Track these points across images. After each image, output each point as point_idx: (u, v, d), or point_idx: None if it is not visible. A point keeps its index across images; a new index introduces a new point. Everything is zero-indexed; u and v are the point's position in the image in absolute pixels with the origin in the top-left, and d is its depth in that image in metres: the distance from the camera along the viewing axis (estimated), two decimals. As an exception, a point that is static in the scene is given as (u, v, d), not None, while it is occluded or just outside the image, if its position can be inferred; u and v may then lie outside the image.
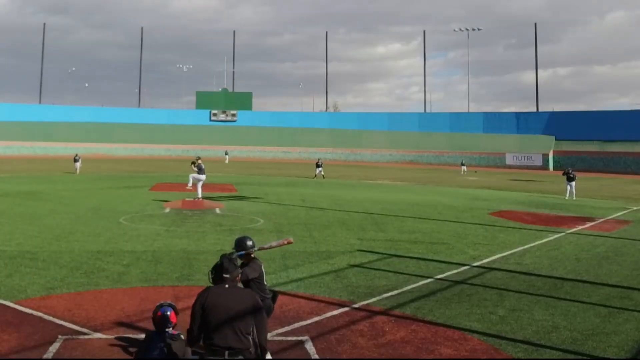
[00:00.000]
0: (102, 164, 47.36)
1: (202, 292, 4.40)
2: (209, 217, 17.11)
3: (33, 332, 6.67)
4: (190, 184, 22.79)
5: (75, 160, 37.48)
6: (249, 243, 6.01)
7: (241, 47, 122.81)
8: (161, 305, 4.68)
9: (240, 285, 4.46)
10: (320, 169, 39.23)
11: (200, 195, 21.93)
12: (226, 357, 4.15)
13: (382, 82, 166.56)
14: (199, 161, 23.26)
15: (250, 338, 4.29)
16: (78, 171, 36.49)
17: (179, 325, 5.10)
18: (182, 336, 4.58)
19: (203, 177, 22.50)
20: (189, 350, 4.72)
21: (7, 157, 60.23)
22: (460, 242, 13.70)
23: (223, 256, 4.55)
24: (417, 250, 12.52)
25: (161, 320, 4.57)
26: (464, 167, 53.53)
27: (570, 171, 27.46)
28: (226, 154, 64.42)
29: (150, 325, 6.97)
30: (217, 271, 4.42)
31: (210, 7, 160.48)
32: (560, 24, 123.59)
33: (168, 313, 4.61)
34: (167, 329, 4.55)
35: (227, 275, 4.37)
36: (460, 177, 45.46)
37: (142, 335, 6.63)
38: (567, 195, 26.80)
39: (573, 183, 26.83)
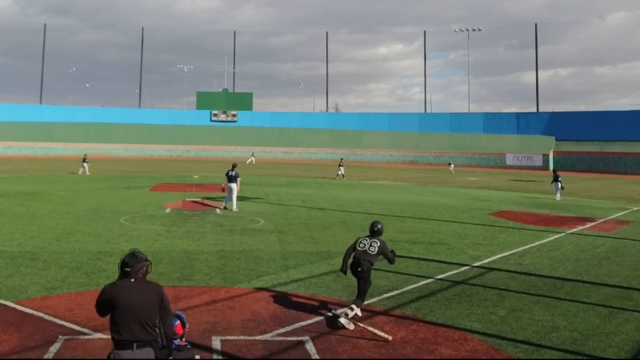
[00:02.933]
0: (102, 165, 47.36)
1: (108, 287, 4.48)
2: (209, 217, 17.12)
3: (34, 332, 6.68)
4: (234, 205, 19.34)
5: (84, 161, 37.42)
6: (379, 226, 8.24)
7: (242, 47, 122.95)
8: None
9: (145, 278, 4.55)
10: (342, 168, 40.96)
11: (232, 207, 19.14)
12: (134, 349, 4.24)
13: (384, 83, 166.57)
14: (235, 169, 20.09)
15: (156, 330, 4.39)
16: (87, 172, 36.40)
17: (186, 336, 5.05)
18: (190, 346, 4.54)
19: (232, 185, 19.58)
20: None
21: (7, 157, 60.25)
22: (461, 242, 13.70)
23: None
24: (417, 250, 12.53)
25: None
26: (452, 166, 55.54)
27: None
28: (252, 155, 64.10)
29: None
30: (121, 266, 4.48)
31: (213, 8, 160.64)
32: (561, 25, 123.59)
33: (176, 324, 4.53)
34: (174, 340, 4.48)
35: (129, 269, 4.43)
36: (450, 175, 45.49)
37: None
38: (557, 195, 26.78)
39: (559, 183, 26.88)
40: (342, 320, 7.11)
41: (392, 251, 7.88)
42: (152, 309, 4.36)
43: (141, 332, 4.29)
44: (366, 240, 7.87)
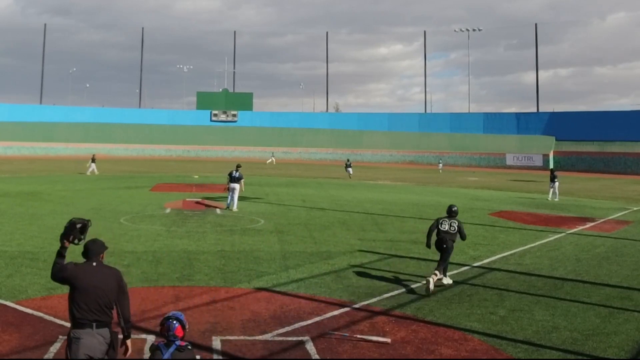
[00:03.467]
0: (102, 165, 47.35)
1: (72, 265, 4.70)
2: (209, 217, 17.12)
3: (34, 333, 6.68)
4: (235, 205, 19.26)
5: (93, 161, 37.61)
6: (455, 208, 9.93)
7: (243, 47, 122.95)
8: (168, 318, 4.58)
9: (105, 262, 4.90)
10: (350, 168, 41.90)
11: (233, 208, 19.13)
12: (94, 329, 4.53)
13: (384, 83, 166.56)
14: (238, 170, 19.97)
15: (113, 312, 4.69)
16: (96, 171, 36.60)
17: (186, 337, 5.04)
18: (190, 347, 4.56)
19: (234, 185, 19.45)
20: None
21: (7, 157, 60.26)
22: (461, 242, 13.67)
23: (73, 224, 4.81)
24: (417, 250, 12.52)
25: (167, 333, 4.55)
26: (441, 165, 56.58)
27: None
28: (272, 155, 64.41)
29: (150, 325, 6.99)
30: (84, 252, 4.78)
31: (213, 8, 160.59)
32: (561, 25, 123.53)
33: (176, 326, 4.54)
34: (175, 341, 4.52)
35: (90, 254, 4.77)
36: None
37: (143, 336, 6.65)
38: (550, 195, 26.48)
39: (556, 184, 26.51)
40: (430, 285, 8.79)
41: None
42: (111, 292, 4.66)
43: (100, 313, 4.57)
44: (446, 221, 9.64)
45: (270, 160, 61.48)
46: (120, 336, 4.81)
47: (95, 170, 36.65)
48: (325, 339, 6.76)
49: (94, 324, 4.54)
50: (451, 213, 9.79)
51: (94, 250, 4.82)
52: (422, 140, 73.18)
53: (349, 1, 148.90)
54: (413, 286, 9.33)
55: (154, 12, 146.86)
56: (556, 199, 26.09)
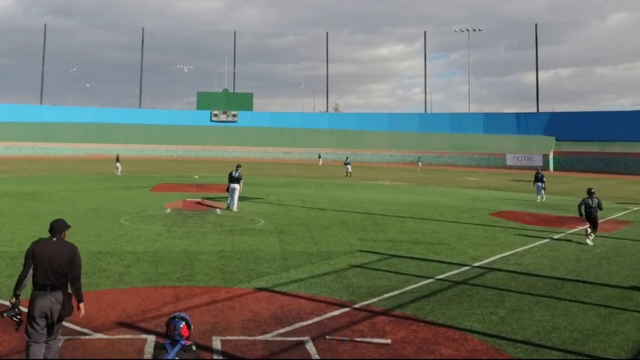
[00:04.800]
0: (102, 165, 47.37)
1: (35, 242, 5.73)
2: (209, 217, 17.12)
3: (34, 333, 6.68)
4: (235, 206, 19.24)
5: (117, 161, 37.89)
6: (594, 190, 14.93)
7: (244, 48, 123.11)
8: (174, 318, 4.66)
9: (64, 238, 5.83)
10: (349, 166, 43.64)
11: (233, 208, 19.09)
12: (48, 291, 5.47)
13: (385, 83, 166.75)
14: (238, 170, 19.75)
15: (66, 278, 5.59)
16: (119, 172, 36.82)
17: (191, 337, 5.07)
18: (195, 347, 4.60)
19: (234, 185, 19.32)
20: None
21: (8, 157, 60.27)
22: (461, 242, 13.71)
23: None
24: (417, 250, 12.53)
25: (173, 333, 4.61)
26: (420, 164, 58.55)
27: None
28: (319, 157, 65.62)
29: (150, 325, 7.00)
30: (49, 229, 5.83)
31: (215, 9, 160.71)
32: (561, 25, 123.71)
33: (182, 325, 4.61)
34: (180, 340, 4.58)
35: (52, 230, 5.80)
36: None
37: (143, 336, 6.66)
38: (539, 197, 25.58)
39: (541, 184, 25.49)
40: (588, 241, 13.71)
41: None
42: (64, 262, 5.56)
43: (54, 279, 5.49)
44: (590, 199, 14.20)
45: (321, 162, 63.53)
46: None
47: (119, 171, 37.09)
48: (326, 338, 6.76)
49: (48, 287, 5.47)
50: (591, 194, 14.32)
51: (55, 228, 5.80)
52: (423, 141, 73.17)
53: (351, 2, 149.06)
54: (411, 287, 9.32)
55: (156, 13, 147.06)
56: (543, 199, 25.28)
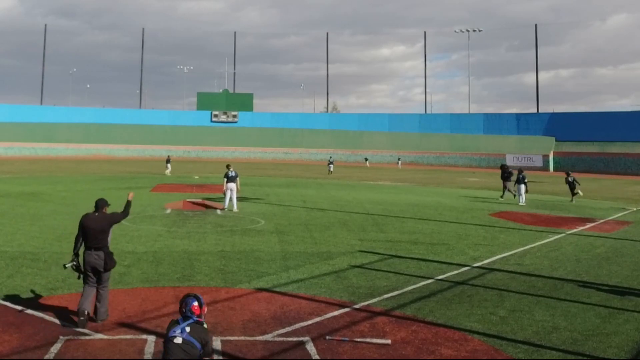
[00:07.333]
0: (103, 165, 47.37)
1: (83, 215, 7.51)
2: (209, 218, 17.13)
3: (34, 333, 6.69)
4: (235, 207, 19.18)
5: (168, 162, 38.15)
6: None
7: (245, 49, 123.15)
8: (187, 296, 5.08)
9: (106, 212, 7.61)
10: (331, 165, 46.13)
11: (233, 208, 19.05)
12: (92, 251, 7.23)
13: (386, 84, 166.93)
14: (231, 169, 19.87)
15: (106, 240, 7.37)
16: (169, 172, 37.07)
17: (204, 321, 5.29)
18: (206, 325, 4.96)
19: (231, 185, 19.31)
20: (211, 337, 5.37)
21: (8, 157, 60.28)
22: (461, 242, 13.71)
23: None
24: (417, 250, 12.54)
25: (185, 309, 4.98)
26: (399, 163, 60.26)
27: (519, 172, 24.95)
28: (366, 159, 66.25)
29: (150, 326, 7.00)
30: (95, 205, 7.61)
31: (216, 10, 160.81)
32: (562, 26, 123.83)
33: (194, 304, 4.99)
34: (191, 317, 4.93)
35: (96, 206, 7.54)
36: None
37: (144, 336, 6.67)
38: (521, 199, 24.13)
39: (523, 186, 24.12)
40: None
41: None
42: (104, 230, 7.37)
43: (95, 242, 7.27)
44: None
45: (366, 162, 64.80)
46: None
47: (169, 172, 37.37)
48: (326, 339, 6.76)
49: (92, 248, 7.25)
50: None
51: (98, 204, 7.57)
52: (423, 141, 73.20)
53: (352, 3, 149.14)
54: (411, 287, 9.32)
55: (158, 14, 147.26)
56: (522, 203, 23.84)
